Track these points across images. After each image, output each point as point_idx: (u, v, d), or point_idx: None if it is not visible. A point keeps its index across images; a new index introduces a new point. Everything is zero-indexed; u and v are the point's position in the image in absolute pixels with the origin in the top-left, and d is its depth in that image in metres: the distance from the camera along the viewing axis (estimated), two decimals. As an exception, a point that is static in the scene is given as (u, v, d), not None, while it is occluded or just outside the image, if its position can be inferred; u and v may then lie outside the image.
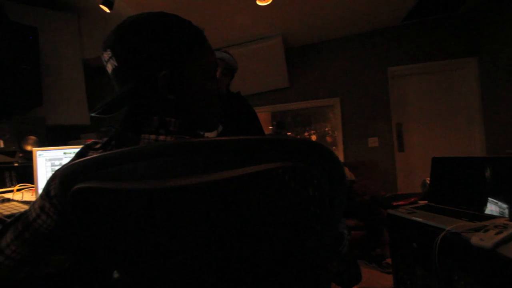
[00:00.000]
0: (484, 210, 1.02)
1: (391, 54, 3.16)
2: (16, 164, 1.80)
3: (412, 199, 1.31)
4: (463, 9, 2.86)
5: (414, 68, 3.13)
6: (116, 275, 0.55)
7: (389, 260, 2.10)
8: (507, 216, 0.93)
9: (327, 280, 0.48)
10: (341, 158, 3.33)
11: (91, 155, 0.50)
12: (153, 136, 0.48)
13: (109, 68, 0.50)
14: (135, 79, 0.48)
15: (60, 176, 0.38)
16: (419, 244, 1.09)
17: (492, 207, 1.00)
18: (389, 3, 2.62)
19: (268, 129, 3.80)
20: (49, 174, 1.23)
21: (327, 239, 0.38)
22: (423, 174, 1.40)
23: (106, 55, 0.49)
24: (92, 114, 0.49)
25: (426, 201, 1.27)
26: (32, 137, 2.00)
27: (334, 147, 3.52)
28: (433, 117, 3.14)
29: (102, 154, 0.35)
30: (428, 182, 1.33)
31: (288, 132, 3.79)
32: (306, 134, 3.75)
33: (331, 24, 2.99)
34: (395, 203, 1.28)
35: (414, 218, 1.05)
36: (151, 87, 0.48)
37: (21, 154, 1.92)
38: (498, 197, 0.99)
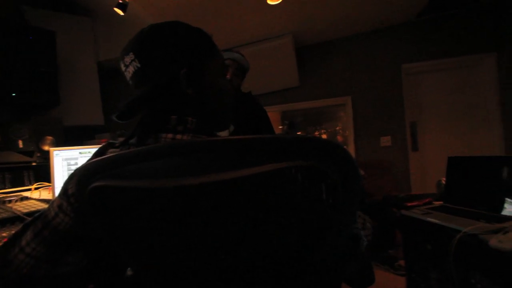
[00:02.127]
0: (502, 211, 0.98)
1: (405, 51, 3.08)
2: (34, 164, 1.86)
3: (427, 200, 1.28)
4: (481, 3, 2.76)
5: (428, 65, 3.04)
6: (129, 272, 0.56)
7: (402, 262, 2.05)
8: (527, 218, 0.90)
9: (340, 281, 0.47)
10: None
11: (110, 153, 0.51)
12: (170, 135, 0.49)
13: (131, 70, 0.52)
14: (157, 78, 0.51)
15: (78, 175, 0.39)
16: (434, 246, 1.06)
17: (511, 208, 0.96)
18: (402, -1, 2.56)
19: (278, 128, 3.79)
20: (66, 173, 1.27)
21: (342, 239, 0.37)
22: (438, 174, 1.36)
23: (128, 58, 0.52)
24: (113, 118, 0.50)
25: (441, 202, 1.24)
26: (49, 137, 2.07)
27: (345, 147, 3.47)
28: (449, 116, 3.05)
29: (118, 153, 0.36)
30: (443, 182, 1.29)
31: (299, 132, 3.77)
32: (316, 133, 3.72)
33: (342, 22, 2.95)
34: (409, 204, 1.25)
35: (429, 219, 1.03)
36: (172, 84, 0.51)
37: (38, 154, 1.99)
38: (518, 198, 0.95)
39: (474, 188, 1.12)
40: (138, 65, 0.51)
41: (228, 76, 1.51)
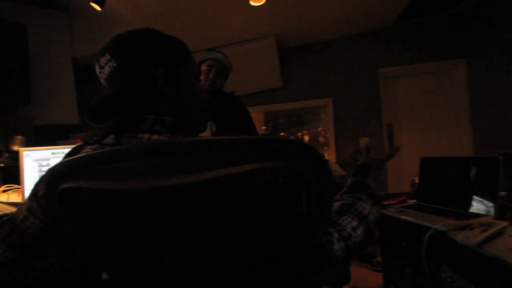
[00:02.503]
0: (470, 209, 1.04)
1: (382, 56, 3.21)
2: (2, 165, 1.76)
3: (402, 199, 1.33)
4: (452, 12, 2.92)
5: (404, 70, 3.18)
6: (105, 276, 0.54)
7: (379, 259, 2.13)
8: (492, 214, 0.96)
9: (319, 282, 0.48)
10: (333, 158, 3.36)
11: (87, 150, 0.49)
12: (146, 135, 0.48)
13: (106, 71, 0.51)
14: (134, 77, 0.51)
15: (47, 176, 0.38)
16: (408, 243, 1.10)
17: (478, 206, 1.02)
18: (380, 5, 2.65)
19: (262, 129, 3.80)
20: (37, 175, 1.21)
21: (318, 239, 0.38)
22: (413, 173, 1.42)
23: (104, 59, 0.51)
24: (85, 118, 0.49)
25: (415, 200, 1.29)
26: (19, 137, 1.96)
27: (326, 147, 3.55)
28: (423, 118, 3.20)
29: (89, 153, 0.35)
30: (417, 181, 1.35)
31: (282, 133, 3.80)
32: (299, 134, 3.77)
33: (324, 26, 3.02)
34: (385, 203, 1.29)
35: (402, 217, 1.07)
36: (148, 84, 0.51)
37: (7, 155, 1.88)
38: (483, 196, 1.01)
39: (445, 187, 1.18)
40: (114, 65, 0.51)
41: (210, 76, 1.49)
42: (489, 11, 2.60)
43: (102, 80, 0.54)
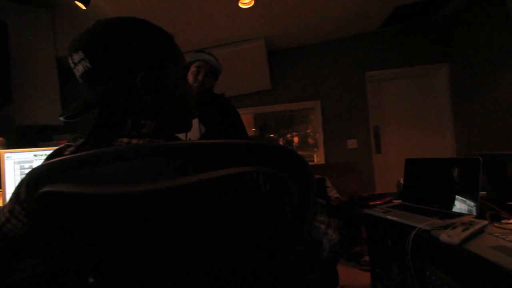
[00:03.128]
0: (453, 209, 1.08)
1: (368, 59, 3.28)
2: (-19, 167, 1.68)
3: (388, 199, 1.36)
4: (435, 18, 3.02)
5: (390, 73, 3.26)
6: (91, 279, 0.53)
7: (367, 258, 2.17)
8: (474, 213, 0.99)
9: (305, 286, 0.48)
10: (322, 159, 3.40)
11: (67, 153, 0.48)
12: (125, 139, 0.47)
13: (79, 69, 0.48)
14: (111, 81, 0.46)
15: (27, 179, 0.36)
16: (394, 242, 1.13)
17: (461, 206, 1.06)
18: (367, 10, 2.72)
19: (251, 131, 3.81)
20: (18, 178, 1.16)
21: (300, 244, 0.38)
22: (399, 174, 1.46)
23: (77, 56, 0.47)
24: (60, 118, 0.47)
25: (400, 201, 1.33)
26: (0, 138, 1.88)
27: (315, 149, 3.59)
28: (408, 120, 3.29)
29: (68, 156, 0.34)
30: (402, 182, 1.38)
31: (272, 134, 3.82)
32: (288, 136, 3.79)
33: (312, 29, 3.06)
34: (371, 203, 1.32)
35: (388, 217, 1.10)
36: (127, 89, 0.47)
37: (-13, 156, 1.80)
38: (465, 195, 1.05)
39: (429, 187, 1.22)
40: (89, 66, 0.46)
41: (200, 78, 1.49)
42: (469, 17, 2.70)
43: (76, 75, 0.50)
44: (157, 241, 0.34)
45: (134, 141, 0.47)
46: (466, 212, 1.02)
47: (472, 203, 1.02)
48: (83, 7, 2.17)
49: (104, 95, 0.47)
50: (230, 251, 0.35)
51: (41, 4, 2.89)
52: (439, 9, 2.83)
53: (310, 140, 3.71)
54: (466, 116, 2.88)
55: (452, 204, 1.09)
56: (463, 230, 0.80)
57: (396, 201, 1.33)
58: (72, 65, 0.49)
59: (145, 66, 0.48)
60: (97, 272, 0.43)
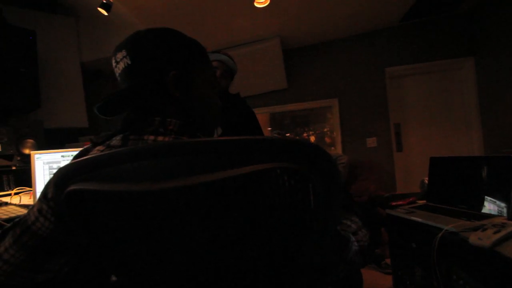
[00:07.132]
0: (482, 210, 1.02)
1: (388, 55, 3.17)
2: (14, 168, 1.80)
3: (411, 199, 1.31)
4: (460, 10, 2.87)
5: (411, 69, 3.14)
6: (113, 278, 0.55)
7: (388, 260, 2.10)
8: (505, 215, 0.94)
9: (328, 285, 0.47)
10: (340, 158, 3.34)
11: (94, 152, 0.50)
12: (152, 137, 0.49)
13: (121, 66, 0.52)
14: (145, 76, 0.51)
15: (55, 178, 0.38)
16: (418, 244, 1.09)
17: (490, 206, 1.00)
18: (386, 4, 2.63)
19: (267, 130, 3.80)
20: (47, 177, 1.23)
21: (327, 241, 0.37)
22: (422, 174, 1.40)
23: (120, 54, 0.52)
24: (95, 110, 0.50)
25: (424, 201, 1.28)
26: (30, 140, 2.00)
27: (332, 148, 3.53)
28: (431, 117, 3.15)
29: (95, 155, 0.35)
30: (426, 182, 1.33)
31: (288, 133, 3.79)
32: (305, 135, 3.75)
33: (329, 26, 3.01)
34: (393, 203, 1.28)
35: (412, 218, 1.06)
36: (159, 84, 0.51)
37: (18, 158, 1.92)
38: (495, 196, 0.99)
39: (455, 187, 1.16)
40: (129, 62, 0.51)
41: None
42: (497, 9, 2.55)
43: (116, 74, 0.55)
44: (182, 239, 0.35)
45: (160, 138, 0.49)
46: (497, 214, 0.97)
47: (503, 204, 0.96)
48: (105, 13, 2.26)
49: (137, 87, 0.51)
50: (256, 249, 0.35)
51: (66, 12, 3.04)
52: (463, 1, 2.69)
53: (327, 139, 3.64)
54: (494, 112, 2.71)
55: (481, 204, 1.03)
56: (495, 233, 0.76)
57: (420, 202, 1.28)
58: (114, 64, 0.54)
59: (177, 67, 0.53)
60: (119, 270, 0.44)
